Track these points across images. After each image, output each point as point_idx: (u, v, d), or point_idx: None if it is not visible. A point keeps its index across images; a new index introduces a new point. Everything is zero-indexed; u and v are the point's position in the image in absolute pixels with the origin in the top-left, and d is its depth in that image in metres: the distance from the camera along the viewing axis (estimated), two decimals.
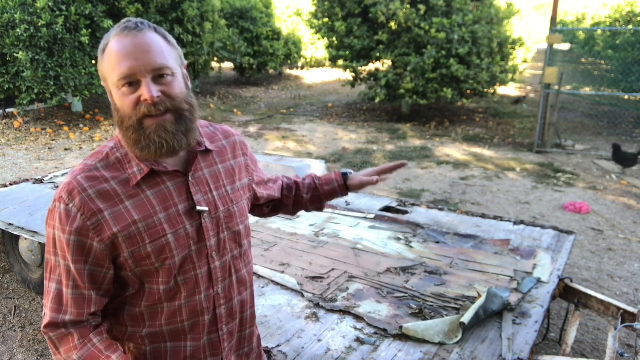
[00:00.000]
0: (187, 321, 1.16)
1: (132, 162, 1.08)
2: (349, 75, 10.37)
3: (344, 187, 1.49)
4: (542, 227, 3.51)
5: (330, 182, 1.49)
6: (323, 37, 10.30)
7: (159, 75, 1.01)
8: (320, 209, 1.54)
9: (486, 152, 7.86)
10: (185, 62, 1.13)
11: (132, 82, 1.00)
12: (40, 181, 3.90)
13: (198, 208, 1.12)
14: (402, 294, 2.57)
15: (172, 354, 1.17)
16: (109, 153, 1.09)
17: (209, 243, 1.15)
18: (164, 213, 1.08)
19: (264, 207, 1.49)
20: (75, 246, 1.03)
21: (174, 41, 1.09)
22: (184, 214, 1.11)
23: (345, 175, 1.48)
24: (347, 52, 9.81)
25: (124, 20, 1.04)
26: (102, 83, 1.06)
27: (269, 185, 1.44)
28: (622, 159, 6.65)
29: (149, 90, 0.99)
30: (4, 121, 8.50)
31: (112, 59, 1.00)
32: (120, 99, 1.02)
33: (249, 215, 1.36)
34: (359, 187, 1.47)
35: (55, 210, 1.05)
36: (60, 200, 1.04)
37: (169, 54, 1.04)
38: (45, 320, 1.07)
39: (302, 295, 2.51)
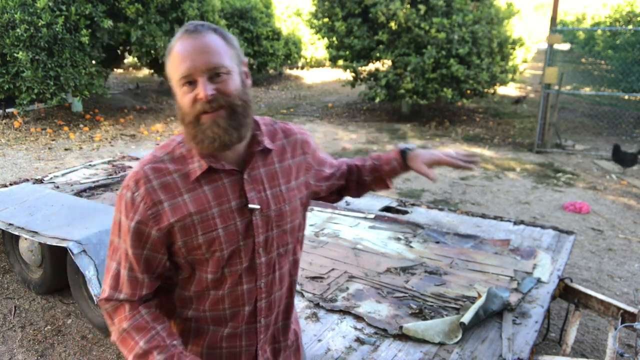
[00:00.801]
0: (228, 310, 1.22)
1: (193, 158, 1.14)
2: (349, 75, 10.37)
3: (403, 165, 1.45)
4: (542, 227, 3.51)
5: (390, 161, 1.46)
6: (323, 37, 10.30)
7: (214, 74, 1.07)
8: (386, 187, 1.52)
9: (486, 152, 7.86)
10: (245, 60, 1.18)
11: (190, 81, 1.07)
12: (40, 181, 3.90)
13: (250, 206, 1.16)
14: (402, 294, 2.57)
15: (211, 335, 1.25)
16: (176, 147, 1.17)
17: (257, 239, 1.19)
18: (217, 208, 1.14)
19: (329, 196, 1.50)
20: (134, 233, 1.12)
21: (233, 41, 1.14)
22: (236, 210, 1.16)
23: (404, 153, 1.44)
24: (347, 52, 9.81)
25: (186, 24, 1.11)
26: (170, 83, 1.14)
27: (331, 176, 1.45)
28: (622, 158, 6.65)
29: (203, 89, 1.05)
30: (4, 121, 8.50)
31: (174, 61, 1.08)
32: (181, 97, 1.10)
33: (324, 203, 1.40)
34: (417, 171, 1.42)
35: (122, 196, 1.13)
36: (128, 187, 1.13)
37: (225, 53, 1.09)
38: (103, 294, 1.17)
39: (302, 295, 2.52)
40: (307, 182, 1.33)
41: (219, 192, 1.15)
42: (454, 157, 1.41)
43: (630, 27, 11.29)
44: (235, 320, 1.23)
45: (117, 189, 3.86)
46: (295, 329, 1.44)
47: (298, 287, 2.58)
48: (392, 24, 9.03)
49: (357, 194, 1.55)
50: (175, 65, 1.08)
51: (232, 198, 1.16)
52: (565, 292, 2.81)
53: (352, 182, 1.51)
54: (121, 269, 1.15)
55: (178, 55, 1.07)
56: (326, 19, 10.02)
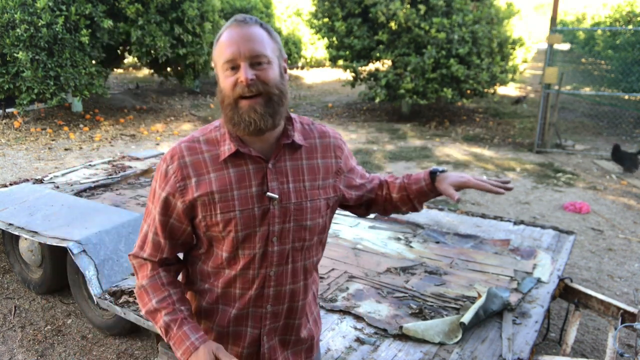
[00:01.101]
0: (238, 290, 1.28)
1: (225, 142, 1.22)
2: (349, 75, 10.37)
3: (432, 186, 1.42)
4: (542, 227, 3.51)
5: (418, 181, 1.43)
6: (323, 37, 10.29)
7: (256, 62, 1.15)
8: (413, 209, 1.48)
9: (486, 152, 7.86)
10: (285, 56, 1.25)
11: (233, 66, 1.15)
12: (40, 181, 3.90)
13: (268, 194, 1.21)
14: (402, 294, 2.57)
15: (221, 314, 1.32)
16: (212, 130, 1.26)
17: (272, 228, 1.24)
18: (238, 191, 1.21)
19: (358, 208, 1.51)
20: (163, 202, 1.24)
21: (277, 37, 1.23)
22: (255, 196, 1.22)
23: (434, 174, 1.42)
24: (347, 52, 9.80)
25: (236, 16, 1.21)
26: (214, 69, 1.23)
27: (361, 187, 1.44)
28: (622, 157, 6.66)
29: (244, 73, 1.13)
30: (4, 121, 8.50)
31: (221, 46, 1.17)
32: (223, 80, 1.17)
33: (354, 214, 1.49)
34: (443, 192, 1.39)
35: (159, 167, 1.25)
36: (165, 160, 1.24)
37: (268, 44, 1.18)
38: (133, 250, 1.32)
39: None
40: (336, 185, 1.35)
41: (242, 176, 1.21)
42: (485, 181, 1.38)
43: (630, 27, 11.29)
44: (242, 301, 1.29)
45: (117, 189, 3.86)
46: (312, 329, 1.44)
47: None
48: (392, 24, 9.03)
49: (385, 211, 1.53)
50: (222, 50, 1.16)
51: (254, 184, 1.22)
52: (565, 292, 2.81)
53: (381, 197, 1.49)
54: (149, 232, 1.28)
55: (225, 41, 1.16)
56: (326, 19, 10.02)
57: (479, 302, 2.33)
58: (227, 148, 1.21)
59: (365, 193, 1.46)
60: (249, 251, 1.24)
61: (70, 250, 2.62)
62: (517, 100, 12.08)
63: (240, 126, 1.16)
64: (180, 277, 1.40)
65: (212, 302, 1.31)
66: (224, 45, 1.16)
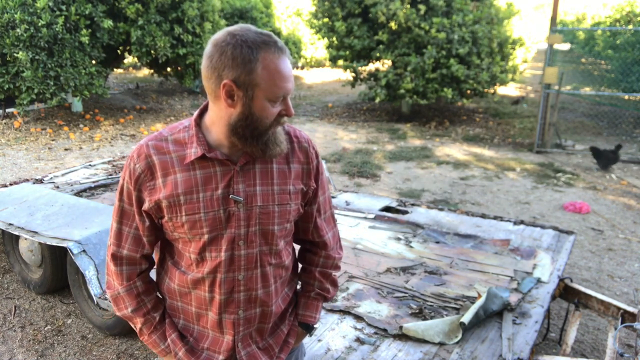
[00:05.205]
0: (207, 293, 1.27)
1: (193, 144, 1.21)
2: (349, 75, 10.36)
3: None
4: (542, 227, 3.51)
5: (302, 307, 1.49)
6: (323, 37, 10.29)
7: None
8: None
9: (486, 152, 7.86)
10: None
11: (283, 98, 1.17)
12: (40, 181, 3.90)
13: (232, 196, 1.21)
14: (402, 294, 2.57)
15: (197, 318, 1.32)
16: (181, 130, 1.24)
17: (237, 231, 1.23)
18: (203, 193, 1.20)
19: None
20: (135, 198, 1.23)
21: None
22: (221, 198, 1.21)
23: (303, 326, 1.48)
24: (347, 52, 9.80)
25: (269, 35, 1.14)
26: (238, 85, 1.12)
27: (316, 224, 1.41)
28: (606, 157, 6.73)
29: (291, 108, 1.19)
30: (4, 121, 8.50)
31: (275, 76, 1.13)
32: (264, 108, 1.15)
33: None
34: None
35: (127, 165, 1.25)
36: (132, 159, 1.23)
37: None
38: (109, 251, 1.30)
39: None
40: (307, 192, 1.34)
41: (209, 178, 1.21)
42: None
43: (630, 27, 11.29)
44: (213, 305, 1.28)
45: (117, 189, 3.86)
46: (287, 331, 1.43)
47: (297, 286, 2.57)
48: (392, 24, 9.02)
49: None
50: (276, 81, 1.13)
51: (220, 187, 1.20)
52: (565, 292, 2.81)
53: (302, 267, 1.51)
54: (124, 227, 1.27)
55: (282, 73, 1.14)
56: (326, 19, 10.02)
57: (479, 302, 2.33)
58: (193, 151, 1.19)
59: (303, 229, 1.41)
60: (216, 254, 1.23)
61: (70, 250, 2.62)
62: (517, 101, 12.07)
63: (258, 147, 1.18)
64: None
65: (185, 304, 1.32)
66: (281, 76, 1.13)
